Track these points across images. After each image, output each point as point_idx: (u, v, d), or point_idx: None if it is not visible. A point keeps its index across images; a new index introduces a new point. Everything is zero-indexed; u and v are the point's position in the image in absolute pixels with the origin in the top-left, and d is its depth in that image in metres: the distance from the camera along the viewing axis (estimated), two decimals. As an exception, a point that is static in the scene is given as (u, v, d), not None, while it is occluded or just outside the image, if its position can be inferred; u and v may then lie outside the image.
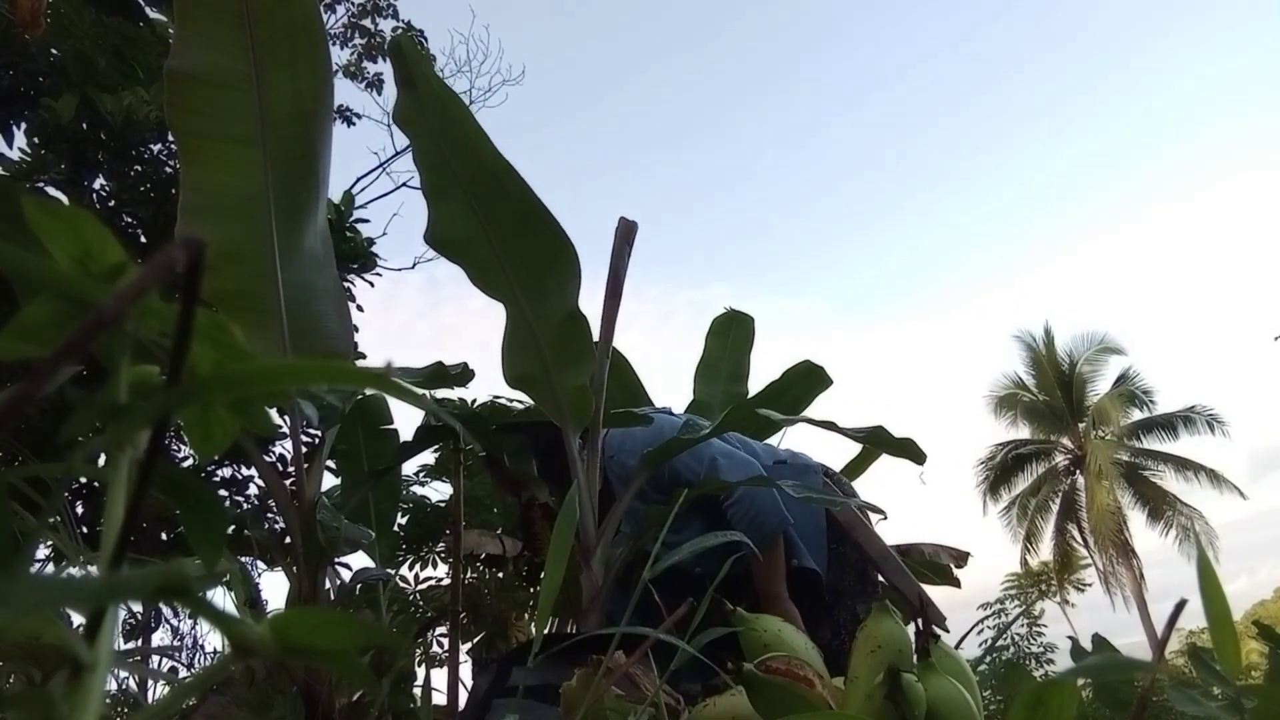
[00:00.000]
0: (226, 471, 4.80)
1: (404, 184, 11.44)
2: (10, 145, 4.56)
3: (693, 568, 1.99)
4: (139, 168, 4.60)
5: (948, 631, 2.17)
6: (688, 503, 1.98)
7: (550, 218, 1.82)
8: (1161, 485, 20.90)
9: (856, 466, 3.32)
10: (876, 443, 2.03)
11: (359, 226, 5.36)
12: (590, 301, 1.95)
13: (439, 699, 2.12)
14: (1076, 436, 22.11)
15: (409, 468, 4.23)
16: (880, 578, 2.50)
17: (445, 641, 3.26)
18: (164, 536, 4.27)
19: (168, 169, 4.55)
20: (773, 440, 2.92)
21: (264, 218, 1.80)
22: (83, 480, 3.74)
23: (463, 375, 2.06)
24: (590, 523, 1.94)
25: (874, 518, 2.49)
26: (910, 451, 1.99)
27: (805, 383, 2.96)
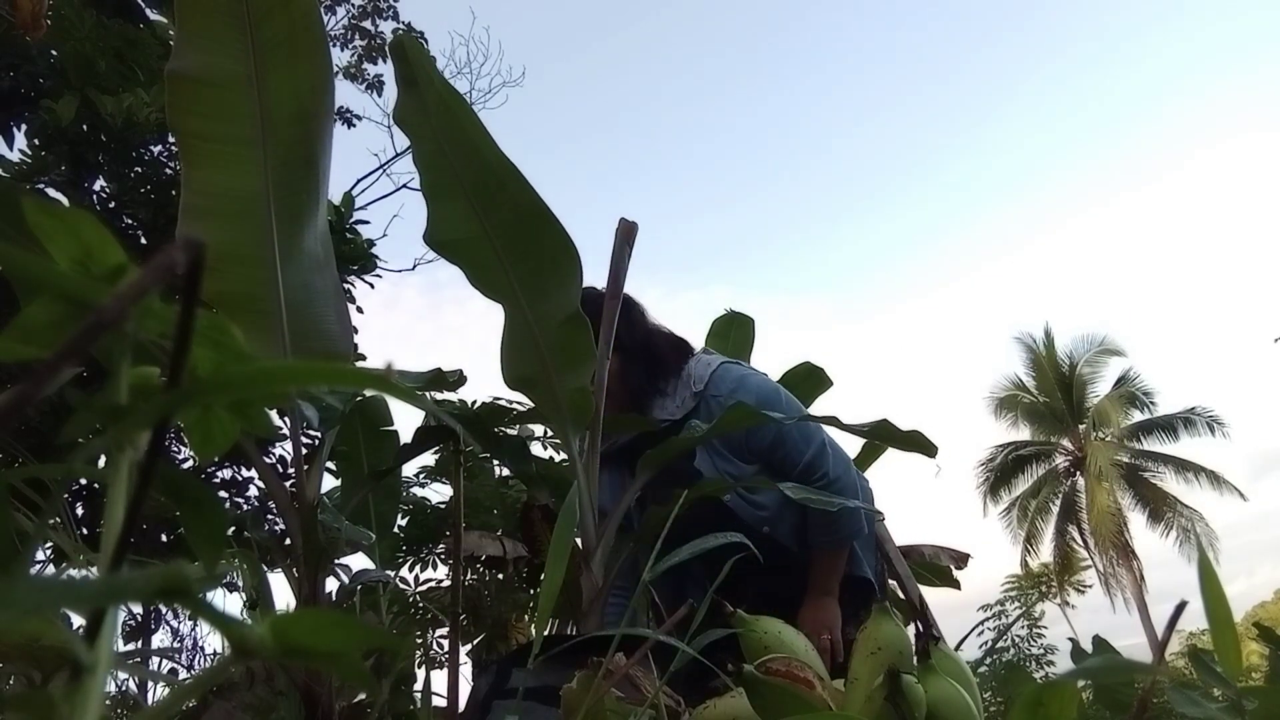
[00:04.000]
0: (227, 473, 4.80)
1: (404, 185, 11.42)
2: (10, 147, 4.57)
3: (760, 527, 2.02)
4: (139, 169, 4.61)
5: (940, 636, 2.15)
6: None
7: (553, 218, 1.81)
8: (1162, 487, 20.89)
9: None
10: (882, 437, 1.94)
11: (359, 228, 5.36)
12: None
13: (439, 701, 2.12)
14: (1077, 438, 22.10)
15: (409, 469, 4.23)
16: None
17: (445, 643, 3.26)
18: (164, 538, 4.27)
19: (168, 171, 4.55)
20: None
21: (264, 219, 1.80)
22: (83, 481, 3.74)
23: (458, 381, 2.08)
24: (590, 524, 1.93)
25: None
26: (919, 444, 1.89)
27: (805, 384, 2.96)
